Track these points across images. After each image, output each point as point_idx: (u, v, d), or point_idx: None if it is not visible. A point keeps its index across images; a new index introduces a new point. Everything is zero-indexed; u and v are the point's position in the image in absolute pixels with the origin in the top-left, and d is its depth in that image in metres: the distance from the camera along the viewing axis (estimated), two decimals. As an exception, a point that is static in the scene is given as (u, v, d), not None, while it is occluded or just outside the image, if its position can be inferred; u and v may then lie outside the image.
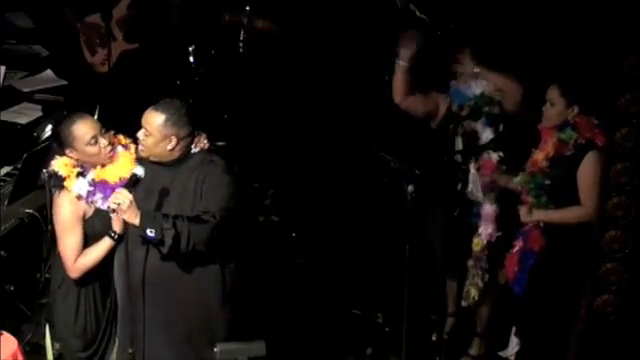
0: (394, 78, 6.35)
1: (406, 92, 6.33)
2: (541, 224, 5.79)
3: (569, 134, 5.71)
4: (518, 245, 5.90)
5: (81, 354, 5.39)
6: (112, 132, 5.31)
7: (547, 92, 5.78)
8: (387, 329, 6.58)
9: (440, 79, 6.44)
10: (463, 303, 6.31)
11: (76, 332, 5.37)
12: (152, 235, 4.96)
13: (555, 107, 5.74)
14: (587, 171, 5.66)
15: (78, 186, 5.20)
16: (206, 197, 5.09)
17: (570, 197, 5.69)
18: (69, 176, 5.20)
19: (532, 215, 5.78)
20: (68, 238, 5.21)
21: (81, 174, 5.22)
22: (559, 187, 5.73)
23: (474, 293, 6.22)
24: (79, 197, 5.20)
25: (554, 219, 5.76)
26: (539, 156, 5.78)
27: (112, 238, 5.19)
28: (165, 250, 4.99)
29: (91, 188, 5.21)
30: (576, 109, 5.69)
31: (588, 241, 5.50)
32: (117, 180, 5.21)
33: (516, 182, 5.90)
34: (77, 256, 5.21)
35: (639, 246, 5.15)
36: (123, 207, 4.88)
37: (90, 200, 5.21)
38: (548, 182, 5.73)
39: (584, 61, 6.41)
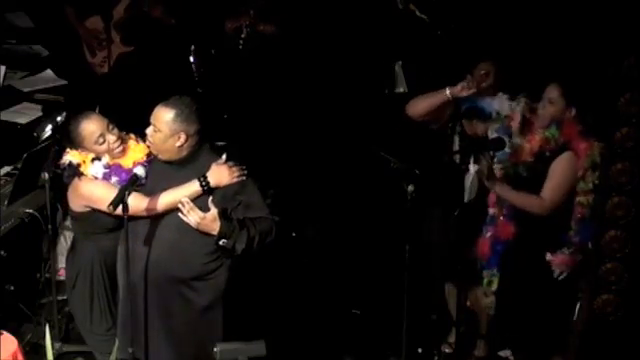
0: (426, 97, 6.02)
1: (426, 115, 6.09)
2: (505, 212, 5.85)
3: (553, 132, 5.72)
4: (490, 232, 5.98)
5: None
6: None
7: (546, 90, 5.75)
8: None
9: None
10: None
11: (93, 329, 5.44)
12: (224, 244, 5.11)
13: (554, 106, 5.73)
14: (557, 168, 5.68)
15: (94, 170, 5.25)
16: (247, 204, 5.17)
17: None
18: (84, 162, 5.26)
19: (496, 185, 5.76)
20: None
21: (96, 159, 5.27)
22: (532, 183, 5.74)
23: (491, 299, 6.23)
24: (96, 179, 5.24)
25: (512, 198, 5.76)
26: (527, 148, 5.80)
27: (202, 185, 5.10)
28: (237, 253, 5.16)
29: (107, 170, 5.25)
30: (574, 111, 5.69)
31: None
32: (130, 164, 5.27)
33: (496, 166, 5.92)
34: (141, 199, 5.10)
35: (639, 246, 5.16)
36: (195, 222, 5.05)
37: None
38: (525, 174, 5.77)
39: (583, 61, 6.41)
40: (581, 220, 5.71)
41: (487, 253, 6.01)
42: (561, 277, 5.77)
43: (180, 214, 5.08)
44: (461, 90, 5.90)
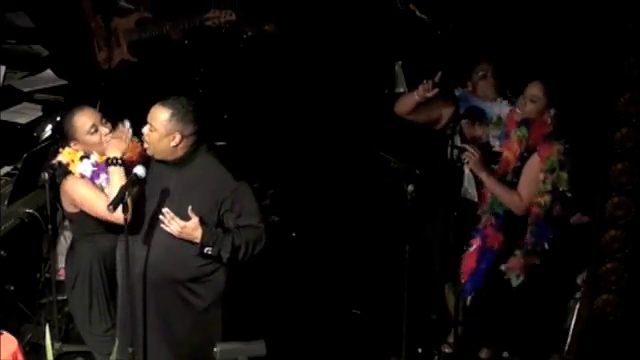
0: (403, 98, 6.18)
1: (410, 113, 6.16)
2: (493, 221, 5.86)
3: (523, 132, 5.72)
4: (476, 244, 5.96)
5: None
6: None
7: (528, 87, 5.73)
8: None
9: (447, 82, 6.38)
10: None
11: (92, 330, 5.44)
12: (209, 252, 5.10)
13: (534, 104, 5.69)
14: (527, 169, 5.71)
15: (82, 167, 5.27)
16: (240, 208, 5.15)
17: None
18: (73, 160, 5.28)
19: (483, 173, 5.77)
20: (101, 205, 5.12)
21: (85, 157, 5.29)
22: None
23: None
24: (83, 177, 5.25)
25: (496, 190, 5.78)
26: (509, 155, 5.80)
27: (112, 164, 5.12)
28: (223, 261, 5.15)
29: (95, 169, 5.26)
30: (552, 111, 5.66)
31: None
32: None
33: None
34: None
35: (639, 246, 5.16)
36: (177, 231, 5.05)
37: (95, 181, 5.25)
38: (515, 180, 5.78)
39: (583, 61, 6.41)
40: (536, 221, 5.72)
41: (472, 267, 5.99)
42: (517, 283, 5.78)
43: (162, 225, 5.09)
44: (423, 92, 5.97)
